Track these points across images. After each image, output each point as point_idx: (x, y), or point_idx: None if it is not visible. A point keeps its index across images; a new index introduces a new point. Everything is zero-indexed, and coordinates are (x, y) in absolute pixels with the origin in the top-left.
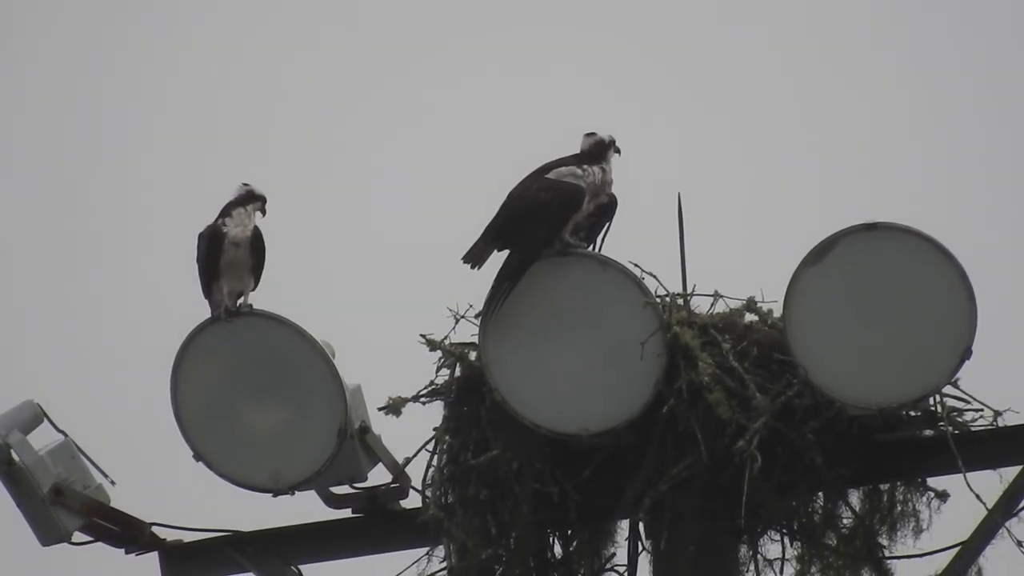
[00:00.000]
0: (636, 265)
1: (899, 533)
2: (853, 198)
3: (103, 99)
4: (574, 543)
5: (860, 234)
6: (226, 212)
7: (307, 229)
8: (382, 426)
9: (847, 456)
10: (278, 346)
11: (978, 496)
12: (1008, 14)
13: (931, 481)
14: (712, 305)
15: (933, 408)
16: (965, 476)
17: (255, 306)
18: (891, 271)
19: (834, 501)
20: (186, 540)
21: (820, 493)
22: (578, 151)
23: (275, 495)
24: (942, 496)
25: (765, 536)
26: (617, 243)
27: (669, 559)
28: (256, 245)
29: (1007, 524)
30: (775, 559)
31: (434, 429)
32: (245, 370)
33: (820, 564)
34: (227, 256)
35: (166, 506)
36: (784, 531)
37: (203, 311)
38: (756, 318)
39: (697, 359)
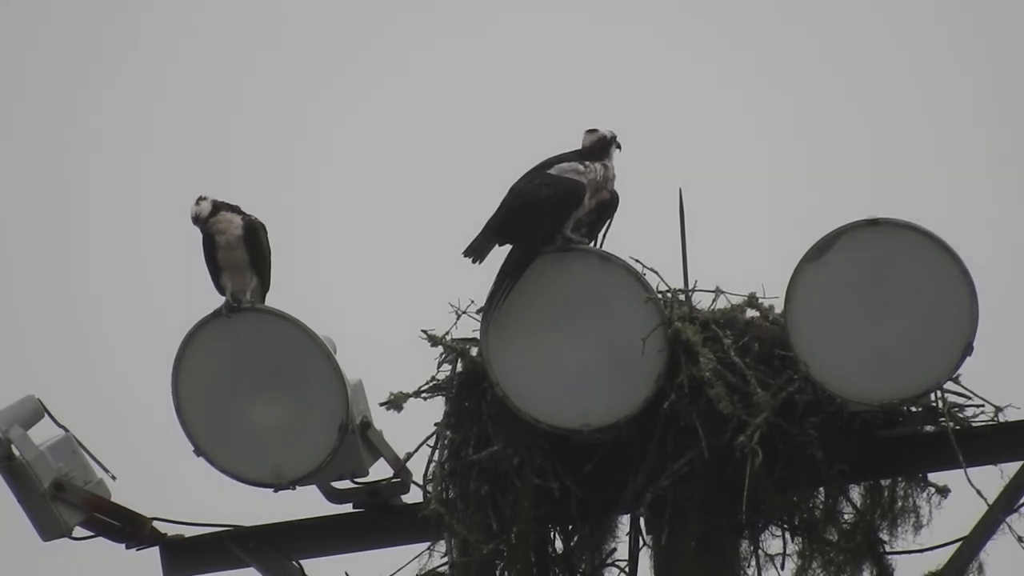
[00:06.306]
0: (637, 261)
1: (900, 528)
2: (855, 194)
3: (102, 96)
4: (575, 538)
5: (862, 230)
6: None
7: (308, 225)
8: (383, 421)
9: (848, 451)
10: (279, 341)
11: (979, 492)
12: (1008, 11)
13: (932, 477)
14: (713, 301)
15: (934, 404)
16: (966, 472)
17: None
18: (893, 267)
19: (835, 497)
20: (187, 535)
21: (821, 488)
22: (579, 147)
23: (276, 490)
24: (943, 492)
25: (766, 531)
26: (618, 239)
27: (670, 554)
28: (250, 242)
29: (1008, 520)
30: (776, 554)
31: (435, 424)
32: (246, 365)
33: (821, 559)
34: (222, 255)
35: (167, 501)
36: (785, 526)
37: (205, 306)
38: (757, 314)
39: (698, 354)
